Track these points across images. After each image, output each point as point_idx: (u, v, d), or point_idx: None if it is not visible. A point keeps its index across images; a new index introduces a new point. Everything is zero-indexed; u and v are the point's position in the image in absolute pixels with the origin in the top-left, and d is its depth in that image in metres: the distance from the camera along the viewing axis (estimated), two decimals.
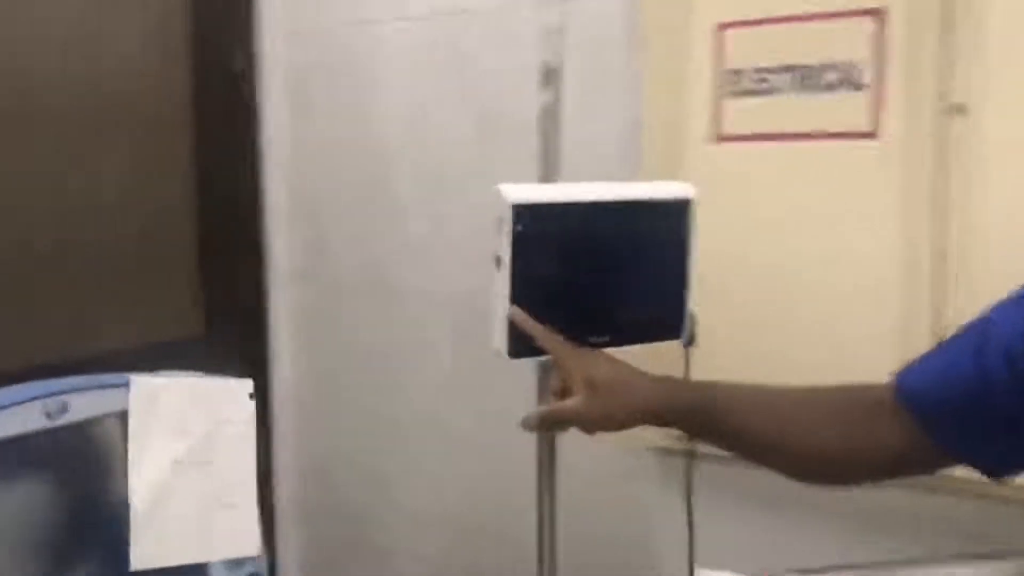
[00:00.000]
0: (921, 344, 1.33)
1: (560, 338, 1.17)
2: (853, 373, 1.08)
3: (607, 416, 1.16)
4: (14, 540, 1.17)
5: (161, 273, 2.05)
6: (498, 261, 1.14)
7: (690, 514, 1.31)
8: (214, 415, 1.23)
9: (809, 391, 1.11)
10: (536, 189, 1.18)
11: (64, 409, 1.17)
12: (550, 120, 1.23)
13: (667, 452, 1.58)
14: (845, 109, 1.43)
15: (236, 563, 1.29)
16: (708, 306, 1.28)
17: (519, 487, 1.41)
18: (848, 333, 1.45)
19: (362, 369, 2.06)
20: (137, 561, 1.21)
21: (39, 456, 1.17)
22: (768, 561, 1.20)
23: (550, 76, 1.22)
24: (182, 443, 1.21)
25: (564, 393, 1.17)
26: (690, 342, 1.25)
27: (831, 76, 1.45)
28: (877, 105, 1.41)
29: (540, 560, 1.32)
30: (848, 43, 1.42)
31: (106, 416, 1.21)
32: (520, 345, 1.15)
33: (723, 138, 1.54)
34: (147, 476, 1.17)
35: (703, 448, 1.21)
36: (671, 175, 1.51)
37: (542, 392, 1.24)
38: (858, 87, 1.43)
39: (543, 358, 1.18)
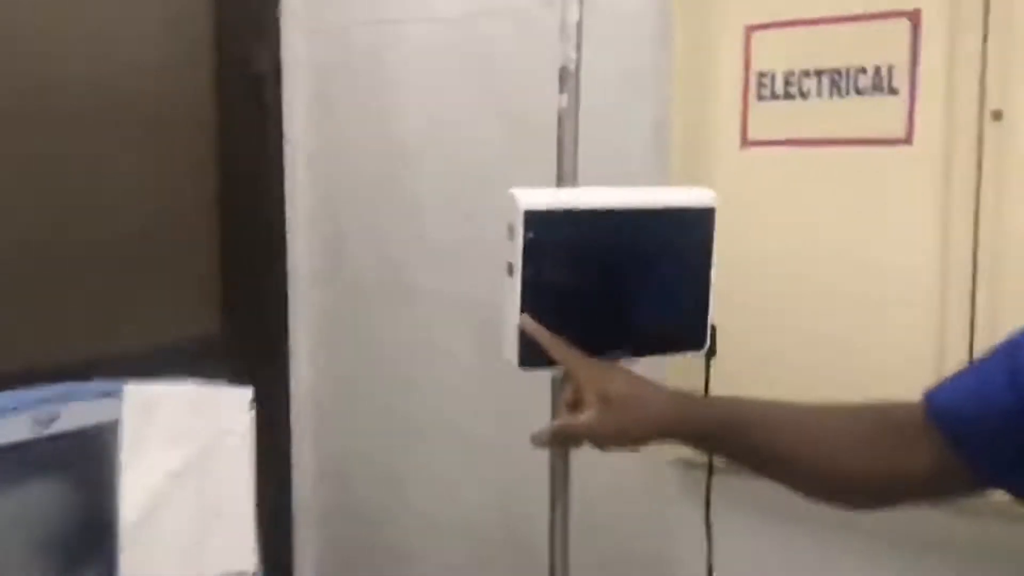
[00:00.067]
0: (956, 358, 1.31)
1: (573, 349, 1.13)
2: (883, 389, 1.04)
3: (620, 432, 1.12)
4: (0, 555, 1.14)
5: (181, 273, 2.04)
6: (510, 268, 1.10)
7: (708, 527, 1.28)
8: (212, 425, 1.19)
9: (834, 408, 1.06)
10: (550, 194, 1.14)
11: (54, 418, 1.13)
12: (567, 124, 1.19)
13: (688, 464, 1.55)
14: (878, 114, 1.39)
15: None
16: (731, 317, 1.24)
17: (536, 493, 1.37)
18: (879, 347, 1.41)
19: (380, 371, 2.04)
20: None
21: (27, 468, 1.13)
22: None
23: (567, 79, 1.17)
24: (178, 454, 1.17)
25: (576, 407, 1.13)
26: (711, 354, 1.21)
27: (863, 80, 1.40)
28: (911, 110, 1.37)
29: (552, 571, 1.27)
30: (882, 46, 1.38)
31: (99, 426, 1.17)
32: (531, 355, 1.11)
33: (751, 143, 1.50)
34: (139, 488, 1.13)
35: (724, 461, 1.16)
36: (698, 180, 1.48)
37: (555, 406, 1.20)
38: (892, 91, 1.38)
39: (555, 369, 1.14)
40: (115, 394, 1.19)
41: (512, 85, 1.78)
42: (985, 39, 1.31)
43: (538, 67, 1.34)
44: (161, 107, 1.95)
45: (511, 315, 1.11)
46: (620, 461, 1.65)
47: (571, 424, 1.14)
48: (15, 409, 1.11)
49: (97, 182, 1.84)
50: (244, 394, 1.23)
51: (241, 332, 2.10)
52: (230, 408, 1.21)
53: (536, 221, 1.08)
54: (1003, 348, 0.94)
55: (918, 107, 1.36)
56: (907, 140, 1.37)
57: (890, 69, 1.38)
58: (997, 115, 1.31)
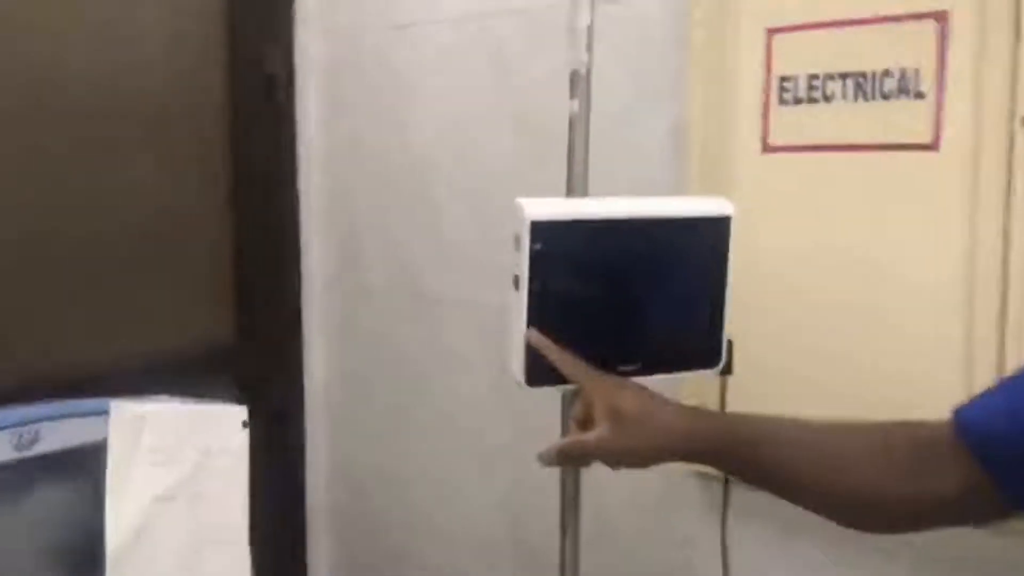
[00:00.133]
0: (984, 374, 1.26)
1: (582, 364, 1.09)
2: (909, 407, 1.00)
3: (631, 450, 1.07)
4: None
5: (194, 276, 2.05)
6: (516, 281, 1.05)
7: (724, 541, 1.23)
8: (204, 445, 1.14)
9: (855, 426, 1.02)
10: (558, 204, 1.10)
11: (35, 439, 1.08)
12: (578, 129, 1.15)
13: (705, 477, 1.52)
14: (904, 119, 1.34)
15: None
16: (749, 332, 1.21)
17: (548, 502, 1.36)
18: (905, 363, 1.35)
19: (394, 375, 2.03)
20: None
21: (7, 491, 1.08)
22: None
23: (578, 82, 1.13)
24: (168, 475, 1.12)
25: (586, 424, 1.08)
26: (727, 371, 1.16)
27: (889, 83, 1.36)
28: (938, 115, 1.32)
29: None
30: (908, 48, 1.33)
31: (84, 446, 1.12)
32: (539, 372, 1.07)
33: (773, 148, 1.46)
34: (127, 512, 1.08)
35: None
36: (717, 186, 1.45)
37: (565, 420, 1.15)
38: (918, 95, 1.33)
39: (564, 387, 1.10)
40: (101, 412, 1.14)
41: (527, 88, 1.76)
42: (1016, 41, 1.25)
43: (553, 70, 1.32)
44: (174, 108, 1.95)
45: (517, 330, 1.06)
46: (637, 474, 1.64)
47: (580, 441, 1.09)
48: None
49: (109, 184, 1.84)
50: (238, 412, 1.18)
51: (255, 335, 2.10)
52: (224, 427, 1.17)
53: (543, 232, 1.04)
54: None
55: (945, 111, 1.31)
56: (934, 146, 1.32)
57: (916, 72, 1.33)
58: None
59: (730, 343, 1.16)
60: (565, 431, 1.16)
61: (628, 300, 1.11)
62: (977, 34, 1.28)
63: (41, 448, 1.10)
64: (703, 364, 1.16)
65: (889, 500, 0.97)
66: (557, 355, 1.07)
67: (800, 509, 1.04)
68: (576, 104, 1.14)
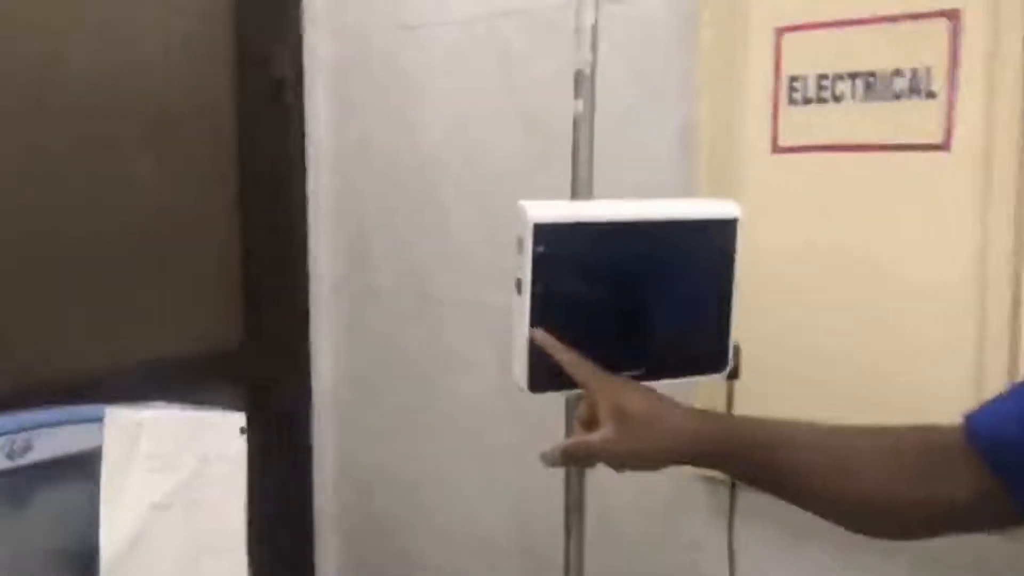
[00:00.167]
0: (996, 379, 1.24)
1: (589, 363, 1.06)
2: (920, 413, 0.98)
3: (636, 452, 1.05)
4: None
5: (202, 278, 2.04)
6: (518, 285, 1.04)
7: (731, 547, 1.21)
8: (201, 452, 1.13)
9: (865, 430, 1.00)
10: (562, 206, 1.08)
11: (28, 447, 1.07)
12: (583, 129, 1.13)
13: (714, 482, 1.50)
14: (915, 119, 1.32)
15: None
16: (756, 336, 1.19)
17: (554, 505, 1.35)
18: (916, 367, 1.34)
19: (402, 378, 2.02)
20: None
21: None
22: None
23: (582, 82, 1.11)
24: (165, 483, 1.10)
25: (591, 425, 1.06)
26: (734, 376, 1.14)
27: (900, 83, 1.34)
28: (950, 114, 1.30)
29: None
30: (919, 47, 1.31)
31: (77, 454, 1.10)
32: (542, 378, 1.06)
33: (782, 149, 1.44)
34: (122, 521, 1.06)
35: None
36: (726, 187, 1.44)
37: (569, 422, 1.14)
38: (929, 95, 1.31)
39: (568, 392, 1.08)
40: (96, 419, 1.12)
41: (535, 89, 1.75)
42: None
43: (561, 71, 1.31)
44: (182, 109, 1.95)
45: (520, 335, 1.05)
46: (643, 476, 1.63)
47: (584, 442, 1.07)
48: None
49: (117, 185, 1.84)
50: (236, 419, 1.16)
51: (263, 336, 2.10)
52: (221, 433, 1.15)
53: (546, 235, 1.02)
54: None
55: (957, 111, 1.29)
56: (945, 146, 1.30)
57: (928, 71, 1.31)
58: None
59: (737, 347, 1.15)
60: (570, 433, 1.15)
61: (633, 304, 1.09)
62: (989, 32, 1.26)
63: (34, 456, 1.08)
64: (710, 369, 1.14)
65: (899, 505, 0.95)
66: (563, 354, 1.05)
67: (807, 514, 1.02)
68: (580, 104, 1.12)
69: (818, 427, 1.02)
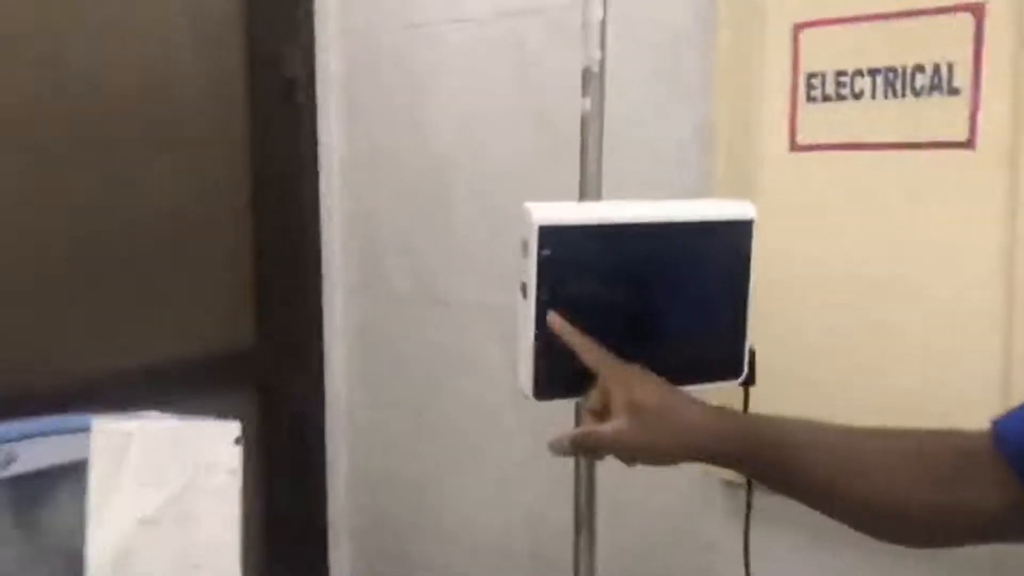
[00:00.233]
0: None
1: (604, 351, 1.02)
2: (943, 419, 0.95)
3: (648, 446, 1.01)
4: None
5: (213, 281, 2.03)
6: (524, 289, 1.00)
7: (747, 553, 1.19)
8: (194, 463, 1.09)
9: (886, 433, 0.97)
10: (569, 208, 1.04)
11: (10, 459, 1.03)
12: (591, 128, 1.09)
13: (732, 485, 1.48)
14: (937, 116, 1.29)
15: None
16: (773, 341, 1.15)
17: (568, 511, 1.33)
18: (938, 374, 1.30)
19: (415, 383, 2.01)
20: None
21: None
22: None
23: (590, 80, 1.08)
24: (155, 496, 1.06)
25: (603, 415, 1.02)
26: (749, 383, 1.10)
27: (921, 79, 1.30)
28: (974, 111, 1.26)
29: None
30: (942, 42, 1.28)
31: (63, 467, 1.07)
32: (549, 385, 1.02)
33: (800, 147, 1.41)
34: (110, 535, 1.02)
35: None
36: (744, 187, 1.42)
37: (579, 413, 1.10)
38: (952, 91, 1.28)
39: (575, 399, 1.05)
40: (82, 430, 1.08)
41: (547, 88, 1.72)
42: None
43: (573, 69, 1.28)
44: (193, 110, 1.95)
45: (525, 341, 1.01)
46: (661, 480, 1.60)
47: (595, 433, 1.02)
48: None
49: (128, 186, 1.83)
50: (231, 428, 1.12)
51: (275, 339, 2.09)
52: (214, 444, 1.11)
53: (552, 237, 0.99)
54: None
55: (981, 108, 1.26)
56: (969, 144, 1.27)
57: (951, 67, 1.28)
58: None
59: (752, 353, 1.11)
60: (580, 420, 1.11)
61: (643, 309, 1.05)
62: (1015, 27, 1.23)
63: (17, 468, 1.05)
64: (724, 375, 1.10)
65: (922, 511, 0.93)
66: (578, 340, 1.01)
67: (826, 518, 0.99)
68: (588, 102, 1.08)
69: (837, 428, 0.99)
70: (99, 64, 1.77)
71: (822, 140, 1.39)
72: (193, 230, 1.95)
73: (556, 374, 1.02)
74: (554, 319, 1.01)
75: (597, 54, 1.08)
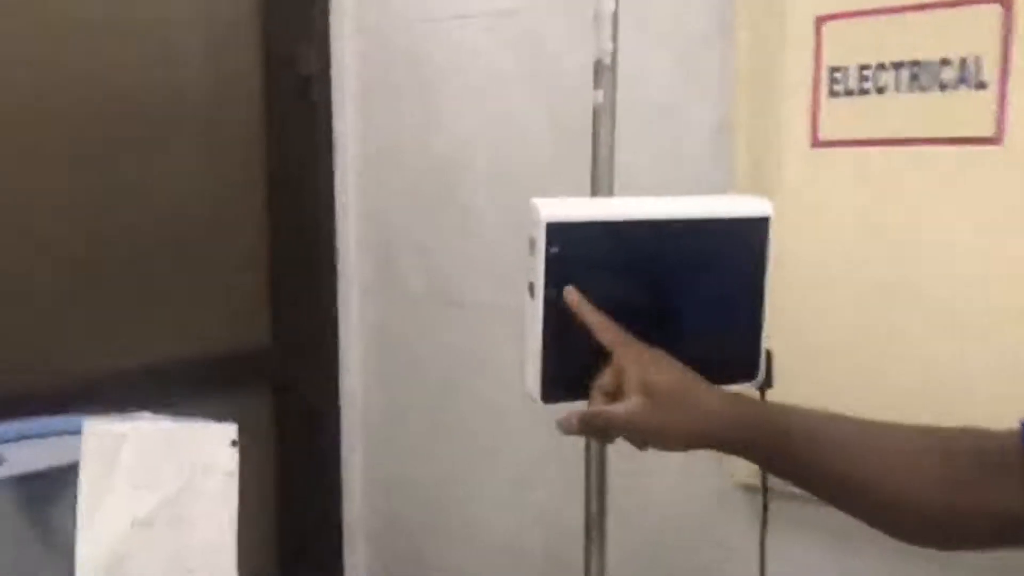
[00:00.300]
0: None
1: (619, 328, 0.98)
2: (971, 420, 0.92)
3: (661, 430, 0.97)
4: None
5: (229, 282, 2.02)
6: (531, 288, 0.97)
7: (762, 557, 1.15)
8: (189, 466, 1.06)
9: (911, 429, 0.94)
10: (578, 204, 1.01)
11: (0, 461, 1.01)
12: (603, 121, 1.06)
13: (753, 490, 1.45)
14: (964, 111, 1.27)
15: None
16: (791, 342, 1.13)
17: (583, 515, 1.31)
18: (964, 376, 1.27)
19: (430, 384, 1.99)
20: None
21: None
22: None
23: (602, 72, 1.04)
24: (149, 499, 1.02)
25: (616, 396, 0.98)
26: (766, 385, 1.07)
27: (948, 73, 1.28)
28: (1002, 106, 1.24)
29: None
30: (968, 35, 1.25)
31: (53, 470, 1.04)
32: (556, 388, 0.99)
33: (822, 143, 1.38)
34: (101, 540, 0.99)
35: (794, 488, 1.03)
36: (764, 183, 1.39)
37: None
38: (979, 86, 1.25)
39: (584, 402, 1.01)
40: (73, 432, 1.05)
41: (564, 84, 1.69)
42: None
43: (591, 63, 1.26)
44: (209, 107, 1.94)
45: (533, 342, 0.98)
46: (676, 482, 1.58)
47: (606, 413, 0.98)
48: None
49: (142, 186, 1.82)
50: (227, 430, 1.09)
51: (290, 338, 2.08)
52: (211, 446, 1.07)
53: (560, 234, 0.95)
54: None
55: (1009, 102, 1.23)
56: (997, 139, 1.24)
57: (978, 60, 1.25)
58: None
59: (769, 354, 1.07)
60: (589, 439, 1.07)
61: (655, 309, 1.01)
62: None
63: (6, 471, 1.02)
64: (740, 377, 1.06)
65: (948, 512, 0.89)
66: (593, 316, 0.97)
67: (845, 522, 0.96)
68: (600, 95, 1.05)
69: (858, 420, 0.95)
70: (112, 63, 1.77)
71: (845, 136, 1.36)
72: (208, 229, 1.94)
73: (565, 376, 0.99)
74: (571, 294, 0.97)
75: (609, 46, 1.05)
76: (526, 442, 1.82)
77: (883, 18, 1.31)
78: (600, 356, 0.99)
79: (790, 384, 1.09)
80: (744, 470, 1.42)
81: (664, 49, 1.54)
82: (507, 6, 1.76)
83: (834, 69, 1.36)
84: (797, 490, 1.01)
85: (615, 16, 1.05)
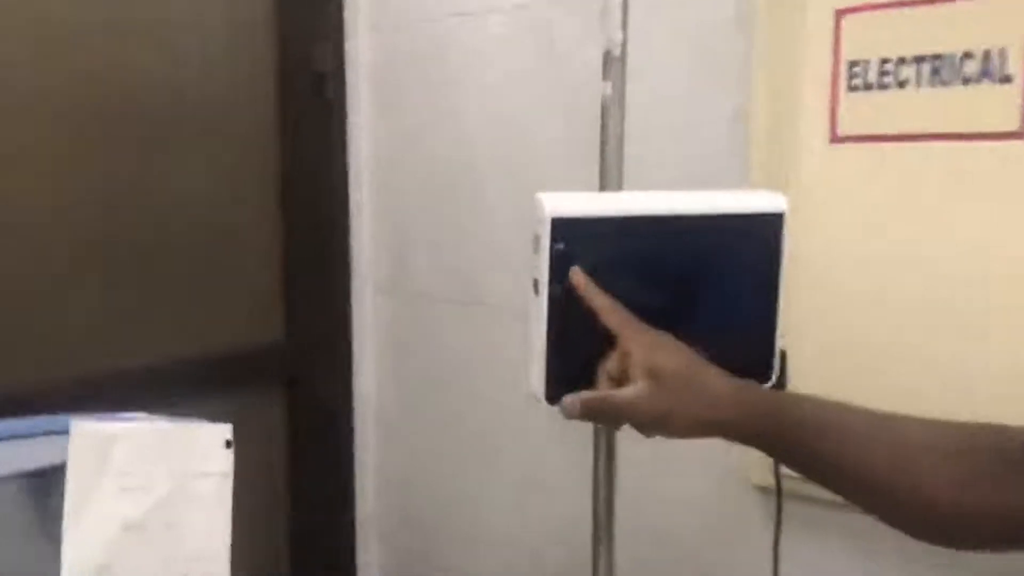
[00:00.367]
0: None
1: (626, 312, 0.96)
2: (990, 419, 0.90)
3: (666, 416, 0.94)
4: None
5: (243, 279, 2.02)
6: (536, 286, 0.95)
7: (776, 561, 1.13)
8: (181, 468, 1.02)
9: (931, 424, 0.91)
10: (585, 199, 0.98)
11: None
12: (612, 114, 1.03)
13: (767, 491, 1.42)
14: (987, 105, 1.23)
15: None
16: (807, 342, 1.14)
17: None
18: (985, 377, 1.24)
19: (445, 383, 1.98)
20: None
21: None
22: None
23: (611, 64, 1.02)
24: (139, 502, 0.99)
25: (622, 381, 0.95)
26: (779, 386, 1.04)
27: (970, 66, 1.24)
28: None
29: None
30: (991, 27, 1.22)
31: (35, 472, 1.01)
32: (561, 388, 0.96)
33: (841, 138, 1.35)
34: (87, 545, 0.96)
35: (812, 489, 1.00)
36: (781, 179, 1.36)
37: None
38: (1004, 79, 1.22)
39: None
40: (60, 432, 1.02)
41: (582, 79, 1.66)
42: None
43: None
44: (223, 105, 1.93)
45: (537, 341, 0.96)
46: (688, 483, 1.56)
47: (611, 397, 0.95)
48: None
49: (156, 185, 1.82)
50: (221, 431, 1.06)
51: (303, 336, 2.07)
52: (204, 448, 1.04)
53: (566, 230, 0.93)
54: None
55: None
56: (1022, 134, 1.21)
57: (1002, 53, 1.21)
58: None
59: (783, 354, 1.04)
60: (600, 434, 1.04)
61: (665, 307, 0.99)
62: None
63: (5, 470, 1.00)
64: (753, 379, 1.03)
65: (969, 511, 0.86)
66: (599, 299, 0.95)
67: (860, 524, 0.95)
68: (609, 87, 1.02)
69: (877, 414, 0.93)
70: (126, 60, 1.77)
71: (864, 131, 1.33)
72: (223, 226, 1.94)
73: (570, 376, 0.96)
74: (577, 275, 0.95)
75: (618, 36, 1.02)
76: (540, 442, 1.80)
77: (904, 11, 1.28)
78: (607, 353, 0.96)
79: (800, 382, 1.06)
80: (758, 471, 1.40)
81: (679, 40, 1.52)
82: (521, 0, 1.74)
83: (853, 63, 1.33)
84: (812, 492, 0.99)
85: (625, 5, 1.02)
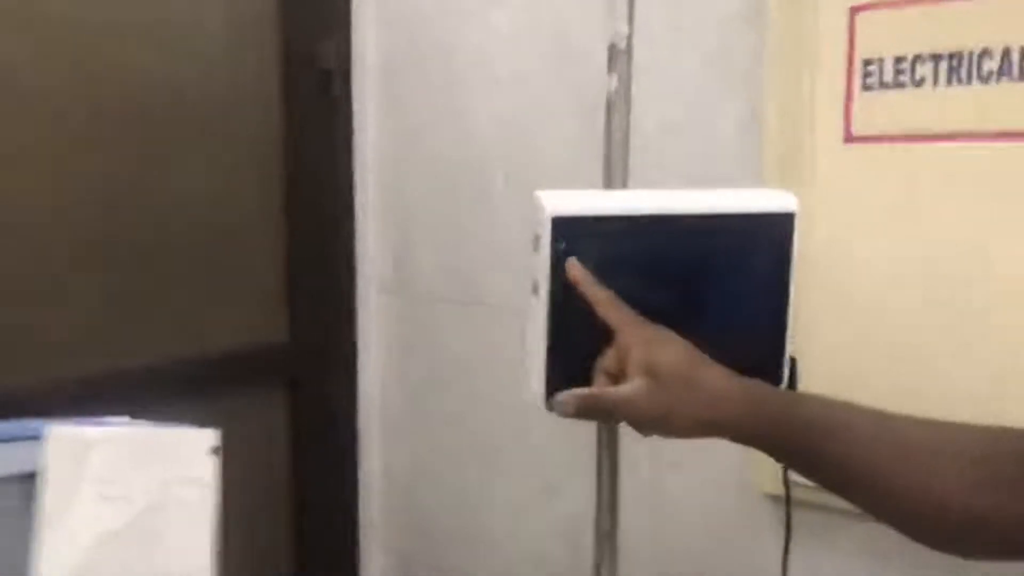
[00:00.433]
0: None
1: (625, 306, 0.93)
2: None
3: (665, 415, 0.90)
4: None
5: (247, 278, 1.99)
6: (535, 287, 0.92)
7: (785, 570, 1.11)
8: (163, 475, 0.98)
9: (944, 427, 0.88)
10: (586, 197, 0.96)
11: None
12: (617, 109, 1.01)
13: (776, 500, 1.41)
14: (1006, 104, 1.21)
15: None
16: (819, 346, 1.14)
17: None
18: (1006, 384, 1.22)
19: (450, 384, 1.96)
20: None
21: None
22: None
23: (616, 57, 0.99)
24: (119, 511, 0.94)
25: (620, 377, 0.92)
26: (789, 389, 1.01)
27: (988, 64, 1.22)
28: None
29: None
30: (1010, 24, 1.20)
31: (14, 477, 0.96)
32: (562, 391, 0.93)
33: (856, 138, 1.34)
34: (64, 554, 0.91)
35: (822, 498, 0.97)
36: (794, 180, 1.34)
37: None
38: (1023, 78, 1.20)
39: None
40: (36, 437, 0.99)
41: (598, 81, 1.63)
42: None
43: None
44: (227, 102, 1.91)
45: (536, 343, 0.93)
46: (696, 491, 1.53)
47: (606, 395, 0.92)
48: None
49: (158, 184, 1.80)
50: (206, 436, 1.02)
51: (308, 340, 2.05)
52: (188, 454, 1.00)
53: (567, 229, 0.90)
54: None
55: None
56: None
57: (1021, 51, 1.20)
58: None
59: (793, 360, 1.02)
60: (602, 435, 1.02)
61: (671, 310, 0.96)
62: None
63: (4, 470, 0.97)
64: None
65: (984, 519, 0.83)
66: (597, 292, 0.92)
67: (870, 534, 0.95)
68: (614, 80, 0.99)
69: (885, 414, 0.90)
70: (129, 56, 1.75)
71: (879, 131, 1.31)
72: (227, 225, 1.92)
73: (570, 380, 0.94)
74: (573, 267, 0.92)
75: (624, 29, 0.99)
76: (546, 445, 1.79)
77: (920, 8, 1.26)
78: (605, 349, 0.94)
79: (811, 384, 1.04)
80: (768, 479, 1.37)
81: (689, 35, 1.50)
82: None
83: (868, 61, 1.31)
84: (822, 500, 0.97)
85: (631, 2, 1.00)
